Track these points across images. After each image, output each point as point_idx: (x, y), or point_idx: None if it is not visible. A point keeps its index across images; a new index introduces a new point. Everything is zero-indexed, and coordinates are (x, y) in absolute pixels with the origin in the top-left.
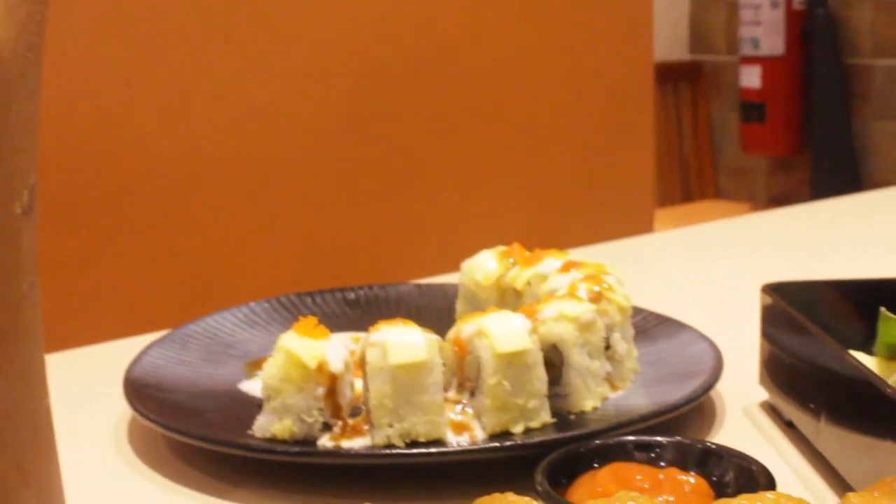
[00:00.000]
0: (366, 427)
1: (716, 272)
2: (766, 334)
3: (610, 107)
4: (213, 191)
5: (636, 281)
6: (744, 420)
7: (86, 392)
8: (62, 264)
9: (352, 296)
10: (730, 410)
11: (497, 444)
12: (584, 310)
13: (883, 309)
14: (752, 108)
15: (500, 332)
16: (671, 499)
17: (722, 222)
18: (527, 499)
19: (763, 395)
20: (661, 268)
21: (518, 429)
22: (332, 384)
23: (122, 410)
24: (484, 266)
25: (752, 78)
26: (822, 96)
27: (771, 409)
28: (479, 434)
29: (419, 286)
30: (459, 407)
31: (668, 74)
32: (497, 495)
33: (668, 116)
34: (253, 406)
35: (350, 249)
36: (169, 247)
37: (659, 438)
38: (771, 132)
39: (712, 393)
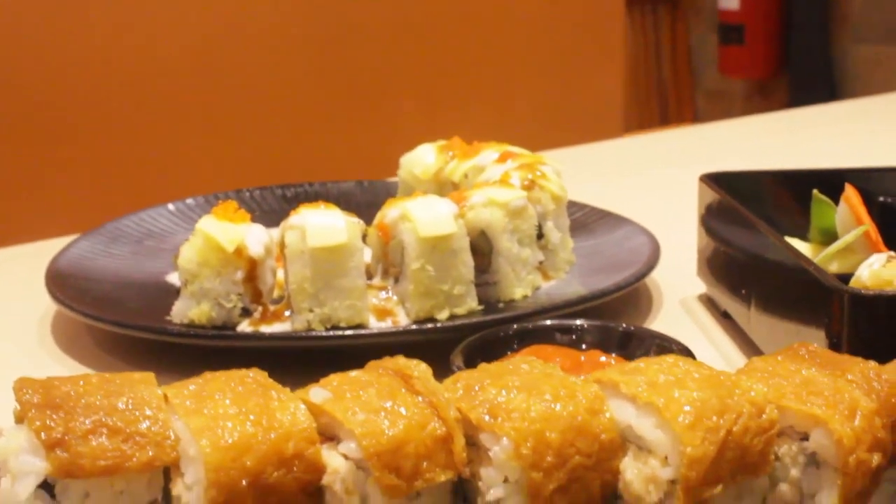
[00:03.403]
0: (287, 313)
1: (676, 174)
2: (704, 223)
3: (580, 25)
4: (155, 87)
5: (596, 181)
6: (680, 311)
7: (12, 288)
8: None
9: (291, 192)
10: (667, 302)
11: (415, 327)
12: (515, 196)
13: (816, 191)
14: (730, 31)
15: (425, 217)
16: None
17: (689, 129)
18: (415, 361)
19: (701, 288)
20: (622, 170)
21: (443, 315)
22: (252, 269)
23: (48, 305)
24: (423, 160)
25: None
26: (801, 18)
27: (708, 301)
28: (403, 320)
29: (360, 183)
30: (384, 294)
31: None
32: (387, 358)
33: (647, 39)
34: (176, 295)
35: (309, 154)
36: (110, 145)
37: (579, 322)
38: (749, 55)
39: (651, 286)
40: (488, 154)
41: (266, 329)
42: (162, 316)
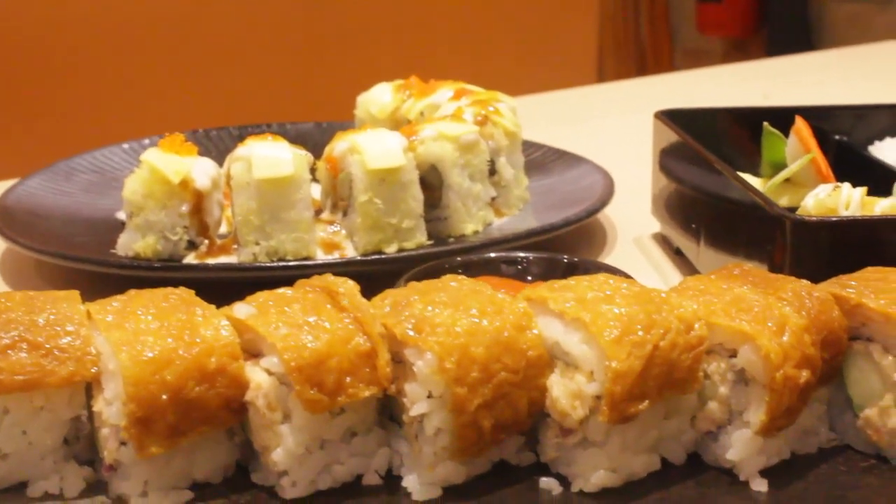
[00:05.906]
0: (234, 247)
1: (642, 119)
2: (658, 160)
3: None
4: (115, 27)
5: (562, 125)
6: (633, 249)
7: None
8: None
9: (248, 133)
10: (622, 241)
11: (361, 258)
12: (466, 130)
13: (766, 124)
14: None
15: (373, 149)
16: None
17: (660, 77)
18: (343, 278)
19: (656, 227)
20: (589, 115)
21: (391, 249)
22: (198, 201)
23: None
24: (379, 99)
25: None
26: None
27: (662, 240)
28: (351, 254)
29: (319, 124)
30: (332, 227)
31: None
32: (316, 276)
33: None
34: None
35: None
36: (69, 89)
37: (523, 254)
38: (727, 12)
39: (606, 225)
40: (444, 92)
41: (212, 262)
42: (109, 251)
